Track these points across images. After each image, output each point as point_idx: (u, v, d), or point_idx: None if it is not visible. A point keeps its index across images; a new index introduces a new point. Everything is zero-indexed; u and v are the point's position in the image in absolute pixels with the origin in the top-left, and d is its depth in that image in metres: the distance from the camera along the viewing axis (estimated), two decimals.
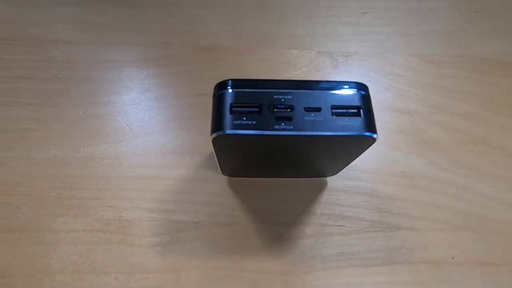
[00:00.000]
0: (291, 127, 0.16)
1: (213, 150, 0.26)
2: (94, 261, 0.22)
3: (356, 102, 0.16)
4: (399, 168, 0.26)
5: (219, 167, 0.23)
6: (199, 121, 0.27)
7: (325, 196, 0.25)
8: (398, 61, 0.31)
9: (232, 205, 0.24)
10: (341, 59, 0.31)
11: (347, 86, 0.17)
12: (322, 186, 0.25)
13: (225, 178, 0.25)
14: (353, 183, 0.26)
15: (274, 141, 0.16)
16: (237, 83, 0.17)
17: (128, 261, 0.23)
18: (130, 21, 0.32)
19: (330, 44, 0.31)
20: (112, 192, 0.25)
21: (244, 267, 0.23)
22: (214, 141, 0.17)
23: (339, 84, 0.17)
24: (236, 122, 0.16)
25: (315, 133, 0.15)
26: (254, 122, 0.16)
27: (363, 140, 0.16)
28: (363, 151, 0.18)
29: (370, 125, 0.16)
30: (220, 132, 0.16)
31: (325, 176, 0.25)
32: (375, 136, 0.16)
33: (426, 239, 0.24)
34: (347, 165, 0.22)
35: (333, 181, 0.26)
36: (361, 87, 0.17)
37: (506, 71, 0.30)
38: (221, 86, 0.17)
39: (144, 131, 0.27)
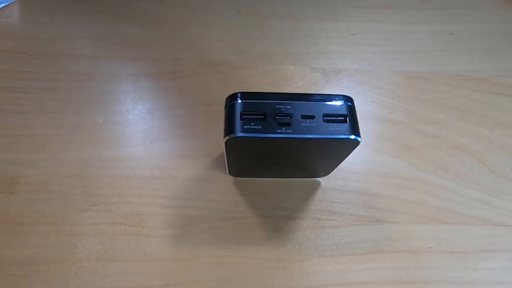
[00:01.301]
0: (290, 131, 0.19)
1: (220, 152, 0.29)
2: (115, 250, 0.25)
3: (343, 111, 0.20)
4: (384, 170, 0.30)
5: (227, 167, 0.26)
6: (205, 127, 0.31)
7: (318, 194, 0.28)
8: (383, 76, 0.35)
9: (237, 201, 0.28)
10: (332, 74, 0.35)
11: (336, 98, 0.20)
12: (316, 186, 0.29)
13: (230, 178, 0.29)
14: (343, 182, 0.29)
15: (276, 143, 0.20)
16: (245, 95, 0.20)
17: (145, 250, 0.25)
18: (142, 38, 0.35)
19: (323, 61, 0.35)
20: (131, 190, 0.28)
21: (248, 255, 0.26)
22: (227, 143, 0.20)
23: (329, 97, 0.20)
24: (245, 126, 0.19)
25: (310, 136, 0.19)
26: (260, 127, 0.19)
27: (349, 142, 0.20)
28: (350, 153, 0.22)
29: (355, 130, 0.20)
30: (232, 135, 0.19)
31: (319, 176, 0.29)
32: (359, 139, 0.20)
33: (407, 231, 0.27)
34: (337, 166, 0.26)
35: (326, 181, 0.29)
36: (348, 99, 0.21)
37: (476, 86, 0.35)
38: (232, 98, 0.20)
39: (157, 137, 0.30)
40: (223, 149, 0.30)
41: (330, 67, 0.35)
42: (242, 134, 0.19)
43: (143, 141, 0.30)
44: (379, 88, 0.34)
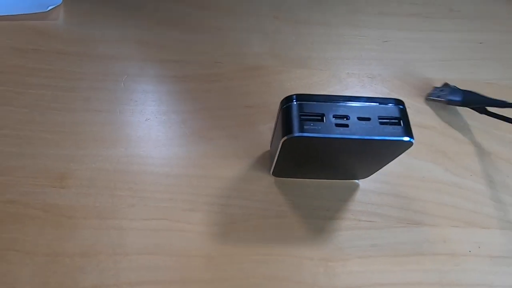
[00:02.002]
0: (348, 132, 0.20)
1: (261, 153, 0.30)
2: (162, 245, 0.26)
3: (397, 114, 0.21)
4: (420, 174, 0.30)
5: (272, 167, 0.27)
6: (246, 129, 0.32)
7: (358, 196, 0.29)
8: (416, 83, 0.36)
9: (279, 201, 0.28)
10: (367, 80, 0.35)
11: (388, 101, 0.21)
12: (355, 188, 0.29)
13: (272, 178, 0.29)
14: (381, 185, 0.30)
15: (332, 144, 0.21)
16: (301, 97, 0.21)
17: (191, 246, 0.26)
18: (183, 42, 0.36)
19: (357, 67, 0.36)
20: (175, 187, 0.28)
21: (291, 253, 0.26)
22: (284, 143, 0.21)
23: (381, 100, 0.21)
24: (305, 126, 0.20)
25: (368, 137, 0.20)
26: (319, 127, 0.20)
27: (402, 144, 0.21)
28: (399, 155, 0.23)
29: (408, 132, 0.21)
30: (291, 135, 0.20)
31: (357, 179, 0.30)
32: (412, 141, 0.20)
33: (445, 234, 0.28)
34: (379, 169, 0.27)
35: (364, 184, 0.30)
36: (399, 102, 0.21)
37: (506, 94, 0.35)
38: (288, 100, 0.21)
39: (200, 137, 0.31)
40: (264, 149, 0.31)
41: (364, 72, 0.36)
42: (302, 134, 0.20)
43: (186, 141, 0.31)
44: (413, 94, 0.35)
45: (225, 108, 0.33)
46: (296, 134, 0.20)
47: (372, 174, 0.28)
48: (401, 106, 0.21)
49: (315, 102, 0.21)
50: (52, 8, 0.36)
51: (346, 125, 0.20)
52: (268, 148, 0.31)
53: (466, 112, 0.34)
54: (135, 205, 0.27)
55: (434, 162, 0.31)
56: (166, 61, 0.35)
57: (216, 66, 0.35)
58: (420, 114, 0.34)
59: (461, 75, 0.36)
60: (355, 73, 0.36)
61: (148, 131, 0.31)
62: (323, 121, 0.20)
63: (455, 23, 0.41)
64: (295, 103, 0.21)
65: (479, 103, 0.32)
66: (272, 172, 0.28)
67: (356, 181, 0.30)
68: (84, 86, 0.33)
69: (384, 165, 0.25)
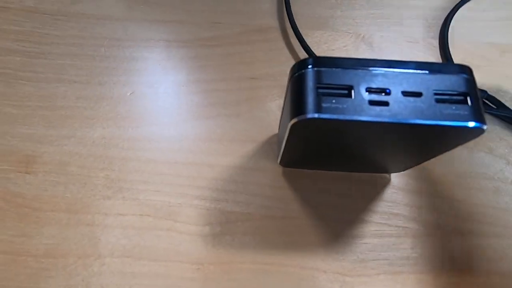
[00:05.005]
0: (388, 113, 0.14)
1: (267, 136, 0.24)
2: (143, 247, 0.21)
3: (462, 87, 0.14)
4: (472, 169, 0.24)
5: (280, 155, 0.21)
6: (250, 106, 0.26)
7: (388, 195, 0.23)
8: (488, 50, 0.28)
9: (287, 198, 0.23)
10: (406, 45, 0.28)
11: (449, 69, 0.14)
12: (385, 183, 0.23)
13: (279, 168, 0.24)
14: (418, 183, 0.23)
15: (364, 129, 0.14)
16: (321, 61, 0.15)
17: (178, 250, 0.21)
18: None
19: (394, 28, 0.28)
20: (161, 177, 0.23)
21: (300, 264, 0.21)
22: (293, 127, 0.15)
23: (440, 66, 0.14)
24: (324, 105, 0.14)
25: (418, 121, 0.13)
26: (345, 106, 0.14)
27: (467, 132, 0.14)
28: (459, 145, 0.16)
29: (478, 114, 0.14)
30: (303, 117, 0.14)
31: (389, 172, 0.23)
32: (484, 127, 0.14)
33: (503, 249, 0.21)
34: (424, 162, 0.20)
35: (397, 179, 0.23)
36: (465, 70, 0.15)
37: None
38: (301, 65, 0.15)
39: (193, 115, 0.25)
40: (272, 132, 0.25)
41: (403, 36, 0.28)
42: (320, 115, 0.14)
43: (175, 119, 0.25)
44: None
45: (224, 79, 0.27)
46: (310, 115, 0.14)
47: (410, 167, 0.22)
48: (467, 76, 0.14)
49: (340, 69, 0.14)
50: None
51: (386, 103, 0.14)
52: (276, 131, 0.24)
53: None
54: (111, 197, 0.23)
55: (491, 153, 0.24)
56: (154, 22, 0.29)
57: (214, 27, 0.28)
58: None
59: None
60: (389, 35, 0.28)
61: (131, 107, 0.26)
62: (351, 96, 0.14)
63: None
64: (310, 69, 0.15)
65: None
66: (280, 162, 0.22)
67: (387, 175, 0.23)
68: (57, 51, 0.27)
69: (432, 158, 0.19)
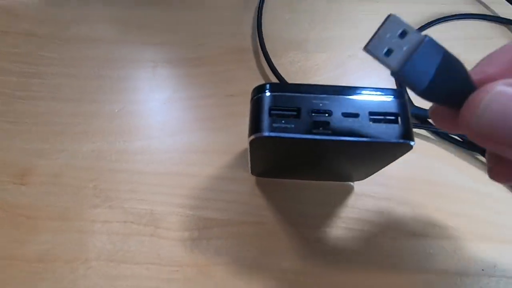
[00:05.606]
0: (329, 132, 0.16)
1: (244, 148, 0.27)
2: (127, 251, 0.23)
3: (394, 109, 0.17)
4: (427, 176, 0.26)
5: (249, 167, 0.23)
6: (228, 121, 0.28)
7: (351, 201, 0.25)
8: None
9: (261, 205, 0.25)
10: (372, 62, 0.30)
11: (386, 93, 0.17)
12: (349, 191, 0.26)
13: (253, 178, 0.26)
14: (380, 189, 0.26)
15: (311, 145, 0.17)
16: (276, 87, 0.17)
17: (159, 254, 0.23)
18: (163, 22, 0.33)
19: (359, 47, 0.31)
20: (145, 186, 0.26)
21: (272, 266, 0.23)
22: (252, 143, 0.17)
23: (377, 90, 0.17)
24: (275, 125, 0.16)
25: (352, 138, 0.16)
26: (292, 126, 0.16)
27: (399, 147, 0.17)
28: (397, 159, 0.19)
29: (407, 132, 0.16)
30: (258, 134, 0.16)
31: (352, 180, 0.26)
32: (412, 143, 0.16)
33: (455, 249, 0.24)
34: (377, 172, 0.22)
35: (360, 186, 0.26)
36: (399, 95, 0.17)
37: None
38: (259, 90, 0.17)
39: (175, 130, 0.28)
40: (247, 145, 0.27)
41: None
42: (270, 134, 0.16)
43: (159, 133, 0.28)
44: None
45: (206, 96, 0.29)
46: (265, 133, 0.16)
47: (368, 176, 0.24)
48: (401, 99, 0.17)
49: (291, 93, 0.17)
50: None
51: (327, 123, 0.16)
52: None
53: None
54: (99, 205, 0.25)
55: (444, 162, 0.26)
56: (143, 44, 0.31)
57: (197, 49, 0.31)
58: None
59: None
60: (357, 55, 0.31)
61: (119, 123, 0.28)
62: (298, 117, 0.16)
63: None
64: (267, 94, 0.17)
65: None
66: (251, 172, 0.25)
67: (351, 183, 0.26)
68: (53, 72, 0.30)
69: (381, 169, 0.21)
